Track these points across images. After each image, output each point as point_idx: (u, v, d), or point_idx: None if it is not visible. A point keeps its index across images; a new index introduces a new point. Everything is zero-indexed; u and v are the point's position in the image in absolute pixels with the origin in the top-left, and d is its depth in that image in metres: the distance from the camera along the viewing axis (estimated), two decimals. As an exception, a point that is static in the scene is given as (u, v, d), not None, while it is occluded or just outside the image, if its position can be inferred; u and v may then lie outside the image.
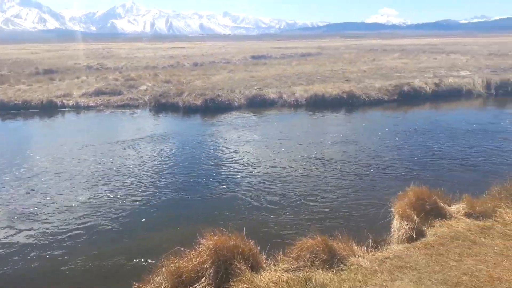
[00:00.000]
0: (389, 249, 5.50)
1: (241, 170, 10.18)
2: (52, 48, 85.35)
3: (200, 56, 52.07)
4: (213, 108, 18.62)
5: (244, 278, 4.71)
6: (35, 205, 8.34)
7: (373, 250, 5.48)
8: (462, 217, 6.22)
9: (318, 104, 19.09)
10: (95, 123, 17.20)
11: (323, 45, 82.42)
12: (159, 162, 10.96)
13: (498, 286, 4.43)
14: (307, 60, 41.62)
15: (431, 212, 6.23)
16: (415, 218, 5.95)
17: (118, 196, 8.72)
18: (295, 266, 4.99)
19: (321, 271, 4.84)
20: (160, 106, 19.48)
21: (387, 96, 20.21)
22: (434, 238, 5.63)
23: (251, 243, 5.29)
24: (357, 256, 5.23)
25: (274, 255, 5.38)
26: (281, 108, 19.16)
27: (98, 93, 22.33)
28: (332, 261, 5.03)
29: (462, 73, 25.20)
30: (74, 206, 8.27)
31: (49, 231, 7.25)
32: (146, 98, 20.91)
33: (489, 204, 6.48)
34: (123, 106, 20.19)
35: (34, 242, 6.89)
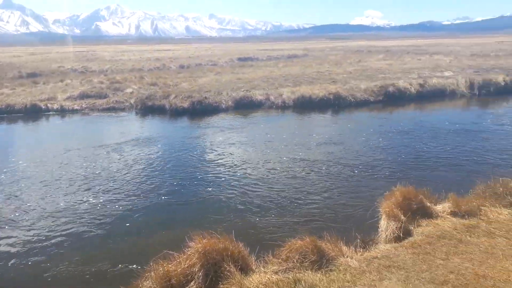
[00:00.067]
0: (377, 248, 5.55)
1: (227, 173, 10.14)
2: (35, 51, 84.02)
3: (187, 58, 51.90)
4: (200, 110, 18.55)
5: (233, 281, 4.71)
6: (15, 211, 8.15)
7: (361, 250, 5.53)
8: (448, 216, 6.32)
9: (305, 106, 19.19)
10: (80, 127, 16.99)
11: (309, 47, 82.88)
12: (144, 166, 10.84)
13: (483, 284, 4.51)
14: (294, 62, 41.81)
15: (417, 212, 6.31)
16: (402, 217, 6.02)
17: (102, 201, 8.58)
18: (284, 267, 5.00)
19: (310, 272, 4.86)
20: (147, 109, 19.33)
21: (373, 97, 20.43)
22: (421, 237, 5.71)
23: (240, 245, 5.29)
24: (345, 256, 5.27)
25: (263, 257, 5.39)
26: (269, 109, 19.20)
27: (83, 96, 22.07)
28: (321, 261, 5.05)
29: (446, 73, 25.62)
30: (56, 212, 8.09)
31: (31, 238, 7.08)
32: (132, 101, 20.73)
33: (474, 203, 6.59)
34: (108, 109, 19.97)
35: (15, 249, 6.72)
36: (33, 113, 19.22)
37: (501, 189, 7.18)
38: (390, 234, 5.83)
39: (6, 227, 7.51)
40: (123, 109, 20.00)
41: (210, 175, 10.05)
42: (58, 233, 7.22)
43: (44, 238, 7.07)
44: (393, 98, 20.56)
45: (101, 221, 7.66)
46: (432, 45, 74.86)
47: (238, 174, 9.98)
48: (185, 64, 42.30)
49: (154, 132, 15.18)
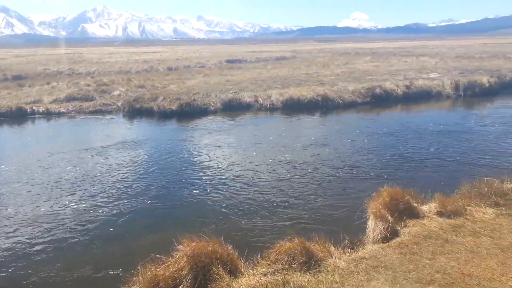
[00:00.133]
0: (365, 249, 5.60)
1: (213, 176, 10.08)
2: (20, 53, 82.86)
3: (175, 60, 51.71)
4: (189, 112, 18.49)
5: (222, 284, 4.70)
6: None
7: (349, 251, 5.56)
8: (434, 216, 6.40)
9: (293, 107, 19.26)
10: (66, 130, 16.78)
11: (297, 49, 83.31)
12: (129, 169, 10.72)
13: (469, 282, 4.58)
14: (282, 64, 41.94)
15: (404, 212, 6.38)
16: (389, 218, 6.08)
17: (85, 206, 8.43)
18: (273, 269, 5.01)
19: (299, 274, 4.88)
20: (134, 111, 19.20)
21: (360, 98, 20.60)
22: (408, 238, 5.77)
23: (229, 248, 5.29)
24: (334, 257, 5.30)
25: (252, 259, 5.39)
26: (257, 111, 19.22)
27: (70, 99, 21.83)
28: (309, 263, 5.07)
29: (432, 75, 25.96)
30: (37, 217, 7.90)
31: (10, 245, 6.88)
32: (119, 104, 20.56)
33: (459, 203, 6.69)
34: (95, 112, 19.79)
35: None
36: (18, 116, 18.94)
37: (486, 189, 7.32)
38: (378, 234, 5.88)
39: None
40: (110, 112, 19.82)
41: (197, 178, 9.99)
42: (40, 240, 7.04)
43: (24, 244, 6.88)
44: (380, 100, 20.76)
45: (84, 226, 7.51)
46: (418, 47, 75.81)
47: (225, 177, 9.95)
48: (173, 66, 42.13)
49: (141, 134, 15.07)
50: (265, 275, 4.91)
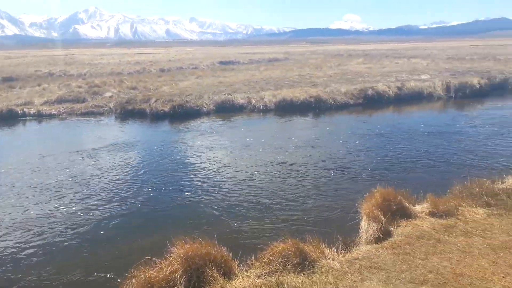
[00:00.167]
0: (358, 250, 5.62)
1: (206, 177, 10.04)
2: (11, 55, 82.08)
3: (167, 61, 51.52)
4: (182, 114, 18.44)
5: (216, 286, 4.70)
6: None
7: (343, 251, 5.58)
8: (426, 216, 6.45)
9: (286, 109, 19.30)
10: (57, 132, 16.65)
11: (290, 51, 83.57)
12: (121, 172, 10.63)
13: (461, 282, 4.62)
14: (275, 65, 42.01)
15: (397, 213, 6.42)
16: (382, 218, 6.12)
17: (75, 208, 8.32)
18: (267, 271, 5.01)
19: (293, 275, 4.88)
20: (127, 113, 19.10)
21: (353, 100, 20.70)
22: (401, 238, 5.81)
23: (223, 250, 5.28)
24: (327, 258, 5.31)
25: (246, 261, 5.38)
26: (250, 113, 19.23)
27: (61, 100, 21.65)
28: (303, 264, 5.08)
29: (423, 76, 26.17)
30: (27, 220, 7.79)
31: (-1, 248, 6.77)
32: (111, 105, 20.44)
33: (451, 203, 6.75)
34: (87, 114, 19.65)
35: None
36: (9, 118, 18.73)
37: (477, 189, 7.40)
38: (371, 235, 5.91)
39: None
40: (102, 114, 19.71)
41: (189, 180, 9.95)
42: (29, 244, 6.91)
43: (13, 249, 6.76)
44: (372, 101, 20.89)
45: (75, 229, 7.40)
46: (410, 48, 76.45)
47: (217, 179, 9.92)
48: (166, 68, 42.00)
49: (133, 136, 14.99)
50: (259, 276, 4.91)
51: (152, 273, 4.80)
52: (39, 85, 27.16)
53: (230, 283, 4.79)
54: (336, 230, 6.47)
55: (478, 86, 23.00)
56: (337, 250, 5.59)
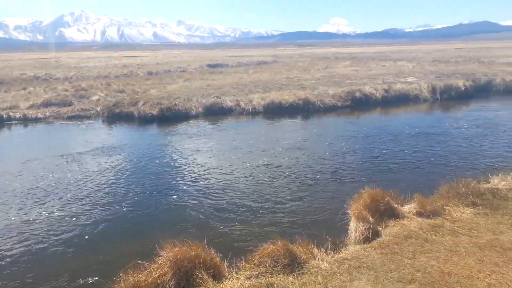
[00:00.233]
0: (347, 250, 5.66)
1: (193, 180, 9.98)
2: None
3: (155, 64, 51.27)
4: (170, 117, 18.35)
5: (206, 288, 4.68)
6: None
7: (332, 252, 5.61)
8: (414, 216, 6.53)
9: (275, 111, 19.36)
10: (42, 135, 16.41)
11: (278, 53, 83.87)
12: (107, 176, 10.49)
13: (448, 280, 4.68)
14: (263, 68, 42.12)
15: (385, 213, 6.48)
16: (371, 219, 6.17)
17: (60, 214, 8.15)
18: (257, 272, 5.01)
19: (282, 276, 4.89)
20: (114, 117, 18.93)
21: (341, 102, 20.87)
22: (389, 238, 5.86)
23: (213, 252, 5.27)
24: (317, 259, 5.34)
25: (236, 263, 5.38)
26: (239, 116, 19.23)
27: (47, 104, 21.41)
28: (293, 265, 5.09)
29: (409, 79, 26.51)
30: (9, 226, 7.63)
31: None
32: (98, 109, 20.26)
33: (438, 203, 6.84)
34: (74, 117, 19.42)
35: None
36: (-7, 122, 18.43)
37: (463, 189, 7.51)
38: (359, 235, 5.95)
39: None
40: (89, 117, 19.51)
41: (177, 183, 9.88)
42: (12, 250, 6.74)
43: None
44: (359, 103, 21.09)
45: (60, 235, 7.24)
46: (396, 51, 77.38)
47: (205, 182, 9.87)
48: (154, 71, 41.77)
49: (120, 140, 14.85)
50: (248, 278, 4.91)
51: (141, 277, 4.76)
52: (24, 88, 26.80)
53: (220, 285, 4.78)
54: (326, 231, 6.49)
55: (463, 88, 23.40)
56: (326, 251, 5.62)
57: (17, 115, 19.38)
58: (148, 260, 5.10)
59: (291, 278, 4.86)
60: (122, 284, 4.75)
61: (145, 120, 18.18)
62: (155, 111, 18.64)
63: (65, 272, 6.04)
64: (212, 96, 21.45)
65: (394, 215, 6.53)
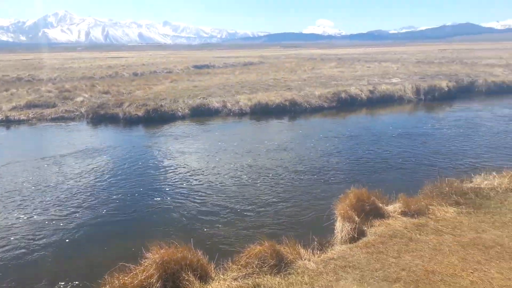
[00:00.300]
0: (333, 250, 5.70)
1: (178, 182, 9.91)
2: (-25, 58, 79.04)
3: (140, 65, 50.82)
4: (156, 118, 18.21)
5: (192, 290, 4.65)
6: None
7: (318, 252, 5.65)
8: (399, 216, 6.61)
9: (262, 112, 19.39)
10: (25, 138, 16.13)
11: (265, 55, 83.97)
12: (91, 178, 10.32)
13: (432, 279, 4.75)
14: (250, 69, 42.14)
15: (370, 213, 6.55)
16: (356, 218, 6.22)
17: (42, 218, 7.93)
18: (244, 273, 5.01)
19: (269, 276, 4.90)
20: (99, 118, 18.71)
21: (327, 103, 21.01)
22: (374, 237, 5.92)
23: (199, 254, 5.25)
24: (303, 259, 5.36)
25: (223, 264, 5.37)
26: (226, 117, 19.20)
27: (30, 106, 21.02)
28: (280, 265, 5.11)
29: (394, 80, 26.84)
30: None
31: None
32: (83, 110, 19.99)
33: (422, 203, 6.94)
34: (57, 119, 19.13)
35: None
36: (-26, 124, 18.03)
37: (447, 188, 7.63)
38: (345, 235, 6.00)
39: None
40: (73, 119, 19.24)
41: (161, 185, 9.80)
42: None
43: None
44: (345, 104, 21.27)
45: (41, 239, 7.03)
46: (381, 53, 78.18)
47: (190, 184, 9.82)
48: (139, 72, 41.39)
49: (104, 142, 14.66)
50: (235, 279, 4.90)
51: (126, 279, 4.72)
52: (6, 90, 26.31)
53: (206, 287, 4.77)
54: (312, 231, 6.51)
55: (446, 89, 23.80)
56: (313, 251, 5.66)
57: (-1, 117, 19.01)
58: (134, 263, 5.06)
59: (278, 279, 4.87)
60: (107, 287, 4.70)
61: (130, 122, 18.01)
62: (140, 113, 18.49)
63: (46, 276, 5.93)
64: (199, 97, 21.38)
65: (379, 214, 6.60)
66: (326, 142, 13.61)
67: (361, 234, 6.04)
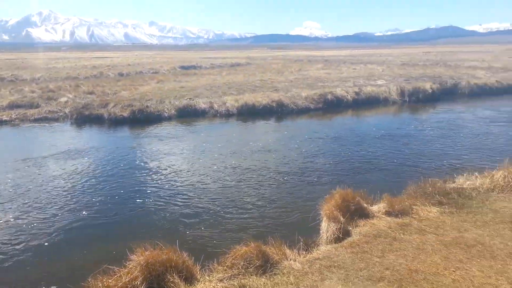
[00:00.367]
0: (319, 250, 5.73)
1: (163, 184, 9.82)
2: (-44, 57, 77.26)
3: (126, 66, 50.31)
4: (142, 119, 18.06)
5: (177, 292, 4.63)
6: None
7: (304, 252, 5.68)
8: (383, 216, 6.69)
9: (248, 113, 19.40)
10: (6, 139, 15.79)
11: (252, 56, 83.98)
12: (73, 180, 10.11)
13: (415, 278, 4.82)
14: (237, 70, 42.10)
15: (355, 213, 6.61)
16: (342, 219, 6.27)
17: (21, 221, 7.74)
18: (229, 274, 5.00)
19: (255, 277, 4.91)
20: (83, 119, 18.47)
21: (313, 104, 21.13)
22: (359, 237, 5.98)
23: (185, 255, 5.22)
24: (289, 259, 5.38)
25: (208, 266, 5.35)
26: (213, 118, 19.15)
27: (13, 106, 20.66)
28: (265, 266, 5.12)
29: (379, 82, 27.14)
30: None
31: None
32: (67, 111, 19.71)
33: (406, 203, 7.04)
34: (41, 120, 18.82)
35: None
36: (-46, 125, 17.62)
37: (430, 188, 7.76)
38: (331, 235, 6.05)
39: None
40: (57, 119, 18.96)
41: (145, 187, 9.70)
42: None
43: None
44: (332, 105, 21.43)
45: (19, 244, 6.86)
46: (366, 55, 78.92)
47: (174, 185, 9.75)
48: (125, 72, 40.98)
49: (88, 143, 14.45)
50: (221, 280, 4.90)
51: (110, 282, 4.67)
52: (-12, 90, 25.76)
53: (192, 289, 4.74)
54: (298, 232, 6.53)
55: (430, 91, 24.18)
56: (298, 251, 5.68)
57: (-19, 118, 18.61)
58: (118, 265, 5.01)
59: (263, 279, 4.88)
60: (91, 290, 4.64)
61: (115, 122, 17.83)
62: (126, 113, 18.31)
63: (25, 281, 5.81)
64: (185, 98, 21.28)
65: (364, 214, 6.67)
66: (311, 143, 13.68)
67: (346, 234, 6.10)
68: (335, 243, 5.90)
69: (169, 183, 9.88)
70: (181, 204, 8.56)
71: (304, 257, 5.52)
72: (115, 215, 8.10)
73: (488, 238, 5.76)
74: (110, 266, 4.96)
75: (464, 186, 7.94)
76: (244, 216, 7.90)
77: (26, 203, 8.67)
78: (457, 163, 11.06)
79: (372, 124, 17.29)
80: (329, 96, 21.91)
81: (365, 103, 22.42)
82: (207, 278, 5.02)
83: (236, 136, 15.39)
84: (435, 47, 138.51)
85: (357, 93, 22.98)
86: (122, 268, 4.91)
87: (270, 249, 5.49)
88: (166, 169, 11.00)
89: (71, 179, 10.26)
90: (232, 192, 9.23)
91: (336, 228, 6.07)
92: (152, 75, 37.74)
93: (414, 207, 6.95)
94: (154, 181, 10.05)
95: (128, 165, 11.52)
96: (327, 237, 6.09)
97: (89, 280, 4.78)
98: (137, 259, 4.92)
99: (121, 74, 39.27)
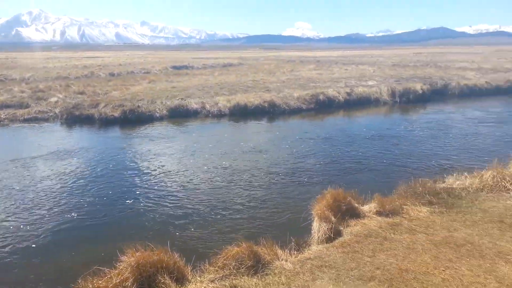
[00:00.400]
0: (310, 250, 5.75)
1: (154, 185, 9.76)
2: None
3: (117, 66, 49.97)
4: (133, 119, 17.96)
5: (168, 293, 4.61)
6: None
7: (295, 252, 5.69)
8: (374, 216, 6.73)
9: (241, 114, 19.39)
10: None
11: (244, 56, 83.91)
12: (62, 181, 10.01)
13: (406, 277, 4.86)
14: (229, 70, 42.05)
15: (347, 213, 6.64)
16: (333, 219, 6.30)
17: (8, 224, 7.65)
18: (221, 275, 4.99)
19: (246, 278, 4.91)
20: (74, 119, 18.32)
21: (305, 105, 21.18)
22: (350, 237, 6.01)
23: (176, 256, 5.20)
24: (280, 259, 5.39)
25: (200, 266, 5.34)
26: (205, 118, 19.11)
27: (2, 106, 20.45)
28: (257, 266, 5.12)
29: (370, 82, 27.30)
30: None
31: None
32: (57, 111, 19.53)
33: (397, 202, 7.09)
34: (30, 120, 18.63)
35: None
36: None
37: (420, 188, 7.82)
38: (322, 235, 6.07)
39: None
40: (47, 120, 18.78)
41: (135, 187, 9.64)
42: None
43: None
44: (323, 106, 21.50)
45: (6, 246, 6.77)
46: (358, 56, 79.29)
47: (165, 186, 9.71)
48: (116, 72, 40.69)
49: (78, 143, 14.32)
50: (212, 281, 4.89)
51: (100, 283, 4.64)
52: (-23, 90, 25.42)
53: (183, 289, 4.73)
54: (290, 232, 6.55)
55: (420, 92, 24.38)
56: (290, 251, 5.69)
57: (-31, 118, 18.36)
58: (109, 266, 4.97)
59: (255, 280, 4.88)
60: (81, 291, 4.60)
61: (106, 123, 17.70)
62: (117, 113, 18.19)
63: (13, 283, 5.74)
64: (177, 98, 21.20)
65: (355, 214, 6.70)
66: (302, 144, 13.72)
67: (337, 234, 6.12)
68: (326, 243, 5.92)
69: (160, 184, 9.83)
70: (172, 205, 8.52)
71: (295, 257, 5.53)
72: (104, 216, 8.04)
73: (477, 238, 5.83)
74: (100, 268, 4.92)
75: (454, 186, 8.03)
76: (236, 216, 7.89)
77: (13, 204, 8.57)
78: (447, 163, 11.17)
79: (363, 125, 17.39)
80: (321, 97, 21.99)
81: (357, 103, 22.54)
82: (199, 279, 5.01)
83: (228, 136, 15.36)
84: (426, 48, 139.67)
85: (348, 94, 23.10)
86: (112, 270, 4.87)
87: (261, 249, 5.49)
88: (156, 170, 10.94)
89: (60, 180, 10.17)
90: (223, 192, 9.21)
91: (327, 228, 6.09)
92: (144, 75, 37.53)
93: (404, 207, 7.00)
94: (144, 182, 10.00)
95: (118, 165, 11.45)
96: (318, 237, 6.10)
97: (79, 281, 4.74)
98: (128, 260, 4.89)
99: (112, 74, 38.98)
